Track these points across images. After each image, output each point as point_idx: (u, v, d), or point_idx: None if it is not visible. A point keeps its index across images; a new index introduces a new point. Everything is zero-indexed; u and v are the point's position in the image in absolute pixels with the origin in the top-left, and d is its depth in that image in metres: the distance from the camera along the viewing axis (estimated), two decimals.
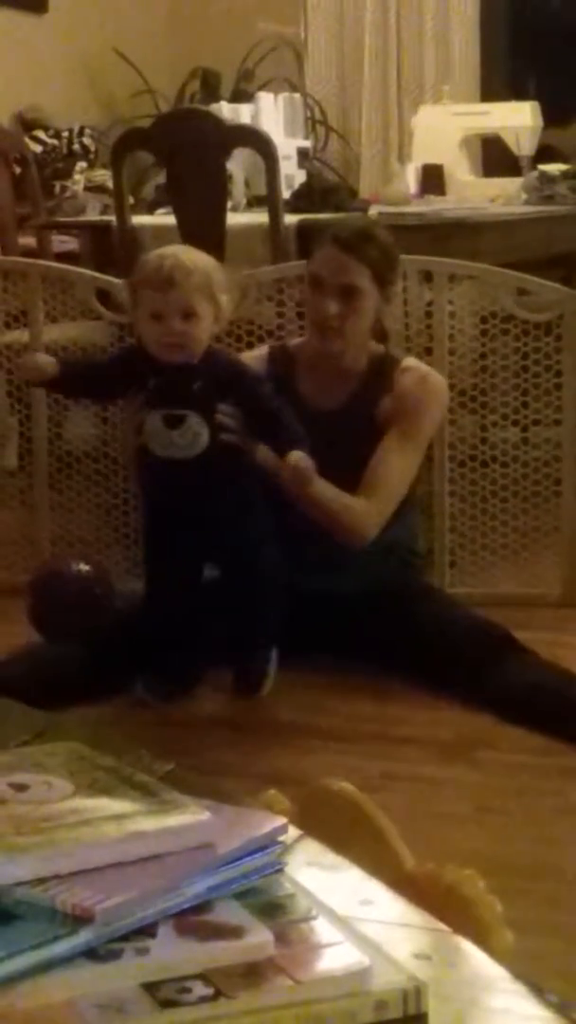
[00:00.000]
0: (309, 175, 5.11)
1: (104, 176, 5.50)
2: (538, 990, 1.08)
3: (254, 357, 3.56)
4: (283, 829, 1.16)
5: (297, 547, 3.26)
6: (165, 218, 4.56)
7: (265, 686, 3.26)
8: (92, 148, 5.92)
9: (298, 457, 3.04)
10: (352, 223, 3.60)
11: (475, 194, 5.08)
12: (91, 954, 1.02)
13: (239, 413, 3.13)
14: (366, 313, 3.38)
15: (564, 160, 5.27)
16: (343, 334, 3.38)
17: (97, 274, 4.25)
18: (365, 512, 3.30)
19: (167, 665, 3.29)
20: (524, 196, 4.92)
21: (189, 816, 1.14)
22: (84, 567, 3.74)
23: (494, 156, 5.68)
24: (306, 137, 5.63)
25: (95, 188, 5.61)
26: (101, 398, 3.68)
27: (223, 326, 3.21)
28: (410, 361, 3.51)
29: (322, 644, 3.36)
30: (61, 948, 1.01)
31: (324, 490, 3.21)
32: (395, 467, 3.36)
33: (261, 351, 3.62)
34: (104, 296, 4.13)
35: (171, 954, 1.03)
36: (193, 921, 1.06)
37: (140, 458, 3.26)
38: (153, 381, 3.14)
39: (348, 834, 1.42)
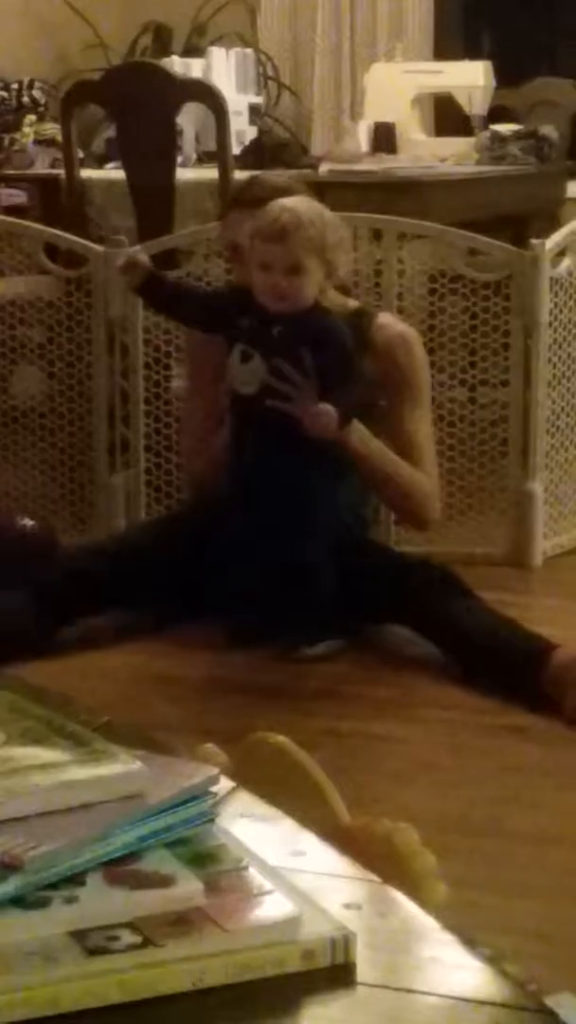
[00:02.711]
0: (260, 131, 5.08)
1: (54, 130, 5.44)
2: (469, 941, 1.08)
3: None
4: (215, 780, 1.16)
5: (263, 514, 3.22)
6: (114, 172, 4.53)
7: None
8: (42, 101, 5.85)
9: (324, 407, 3.07)
10: (256, 180, 3.57)
11: (427, 153, 5.06)
12: (19, 902, 1.02)
13: (302, 370, 3.12)
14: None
15: (516, 120, 5.27)
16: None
17: (45, 228, 4.22)
18: (430, 485, 3.43)
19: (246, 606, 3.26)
20: (476, 156, 4.91)
21: (120, 766, 1.13)
22: (28, 522, 3.74)
23: (446, 115, 5.66)
24: (258, 93, 5.60)
25: (45, 141, 5.54)
26: (191, 321, 3.48)
27: (338, 282, 3.25)
28: (384, 318, 3.50)
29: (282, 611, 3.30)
30: None
31: (379, 450, 3.30)
32: (424, 436, 3.46)
33: None
34: (52, 250, 4.10)
35: (100, 903, 1.03)
36: (122, 870, 1.06)
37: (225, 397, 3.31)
38: (245, 320, 3.19)
39: (284, 787, 1.42)
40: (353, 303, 3.50)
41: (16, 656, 2.99)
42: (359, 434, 3.25)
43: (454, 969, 1.04)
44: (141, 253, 3.43)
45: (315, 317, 3.18)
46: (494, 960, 1.06)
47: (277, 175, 3.73)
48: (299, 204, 3.19)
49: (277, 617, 3.23)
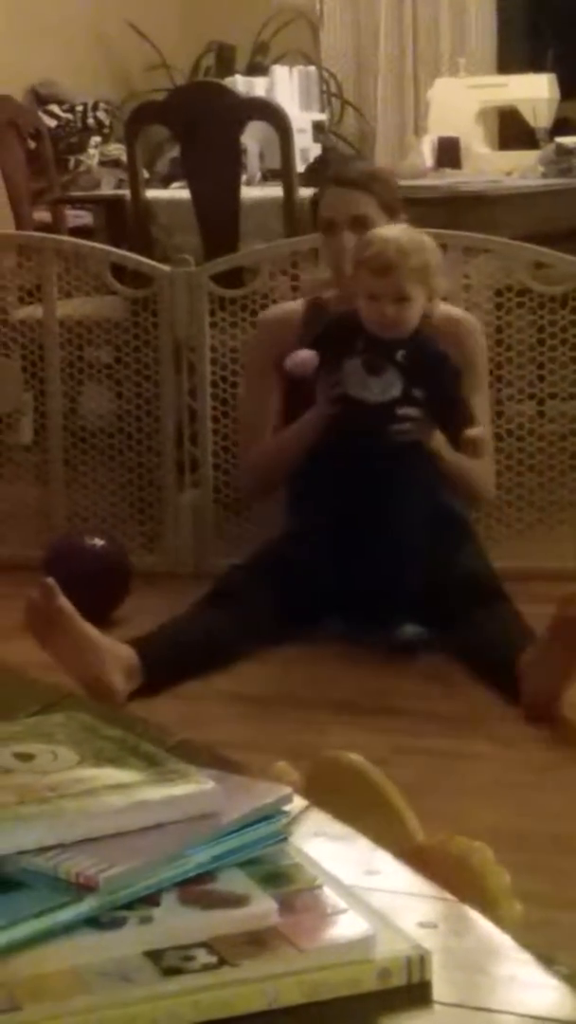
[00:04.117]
0: (324, 148, 5.08)
1: (119, 150, 5.49)
2: (546, 960, 1.08)
3: (288, 311, 3.57)
4: (288, 799, 1.16)
5: (373, 511, 3.30)
6: (179, 192, 4.55)
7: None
8: (107, 122, 5.90)
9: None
10: (352, 165, 3.85)
11: (491, 167, 5.05)
12: (95, 922, 1.02)
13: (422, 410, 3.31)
14: None
15: None
16: None
17: (111, 248, 4.24)
18: (488, 474, 3.60)
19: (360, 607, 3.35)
20: (541, 169, 4.89)
21: (193, 785, 1.13)
22: (99, 542, 3.76)
23: (511, 129, 5.65)
24: (321, 110, 5.60)
25: (110, 162, 5.60)
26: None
27: (437, 306, 3.39)
28: (446, 305, 3.58)
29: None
30: (65, 916, 1.01)
31: (453, 455, 3.39)
32: (485, 421, 3.53)
33: (295, 305, 3.62)
34: (118, 271, 4.13)
35: (175, 922, 1.03)
36: (197, 890, 1.06)
37: (335, 403, 3.38)
38: (361, 343, 3.31)
39: (357, 805, 1.42)
40: None
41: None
42: (438, 441, 3.35)
43: (531, 988, 1.03)
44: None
45: (428, 342, 3.33)
46: (571, 979, 1.05)
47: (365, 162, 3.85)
48: (402, 235, 3.32)
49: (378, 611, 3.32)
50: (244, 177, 4.50)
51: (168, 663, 3.12)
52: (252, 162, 4.79)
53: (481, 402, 3.54)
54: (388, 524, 3.29)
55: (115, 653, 3.05)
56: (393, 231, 3.35)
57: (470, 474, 3.49)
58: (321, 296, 3.68)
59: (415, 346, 3.31)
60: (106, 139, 5.81)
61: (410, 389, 3.29)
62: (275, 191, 4.33)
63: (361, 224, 3.48)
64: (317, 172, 4.66)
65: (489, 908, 1.21)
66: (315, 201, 3.71)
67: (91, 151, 5.68)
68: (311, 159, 4.86)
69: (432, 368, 3.31)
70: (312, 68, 5.65)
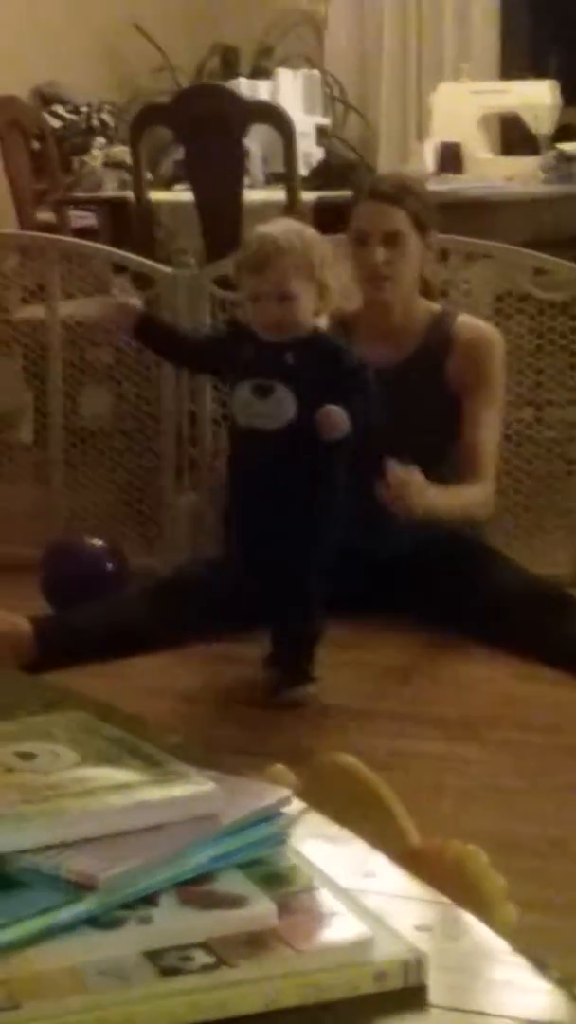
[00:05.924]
0: (327, 152, 5.10)
1: (123, 152, 5.48)
2: (540, 964, 1.09)
3: None
4: (287, 801, 1.17)
5: (356, 507, 3.16)
6: (182, 194, 4.56)
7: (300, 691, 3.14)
8: (111, 124, 5.91)
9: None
10: (388, 176, 3.80)
11: (493, 173, 5.06)
12: (94, 922, 1.03)
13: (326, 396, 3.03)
14: (411, 257, 3.46)
15: None
16: (393, 280, 3.45)
17: (114, 250, 4.25)
18: (485, 496, 3.46)
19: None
20: (542, 175, 4.90)
21: (193, 786, 1.14)
22: (97, 542, 3.76)
23: (512, 135, 5.66)
24: (324, 114, 5.61)
25: (114, 164, 5.59)
26: (188, 361, 3.59)
27: (333, 303, 3.16)
28: (464, 317, 3.58)
29: (374, 603, 3.38)
30: (65, 915, 1.02)
31: (445, 499, 3.24)
32: (491, 439, 3.51)
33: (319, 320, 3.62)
34: (121, 271, 4.13)
35: (173, 923, 1.04)
36: (196, 890, 1.07)
37: (228, 429, 3.27)
38: (249, 352, 3.11)
39: (353, 808, 1.43)
40: (436, 306, 3.59)
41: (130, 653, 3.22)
42: (421, 494, 3.12)
43: (525, 992, 1.04)
44: (133, 298, 3.47)
45: (321, 340, 3.11)
46: (564, 983, 1.06)
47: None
48: (279, 230, 3.13)
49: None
50: (247, 180, 4.51)
51: (62, 645, 3.19)
52: (255, 165, 4.80)
53: (490, 418, 3.51)
54: (287, 554, 3.10)
55: (10, 624, 3.18)
56: (273, 226, 3.16)
57: (466, 508, 3.40)
58: (344, 310, 3.54)
59: (305, 345, 3.06)
60: (110, 140, 5.82)
61: (305, 408, 3.00)
62: (278, 194, 4.34)
63: (393, 240, 3.42)
64: (322, 176, 4.68)
65: (484, 912, 1.22)
66: (347, 208, 3.58)
67: (95, 152, 5.68)
68: (314, 163, 4.88)
69: (324, 365, 3.05)
70: (316, 72, 5.67)
